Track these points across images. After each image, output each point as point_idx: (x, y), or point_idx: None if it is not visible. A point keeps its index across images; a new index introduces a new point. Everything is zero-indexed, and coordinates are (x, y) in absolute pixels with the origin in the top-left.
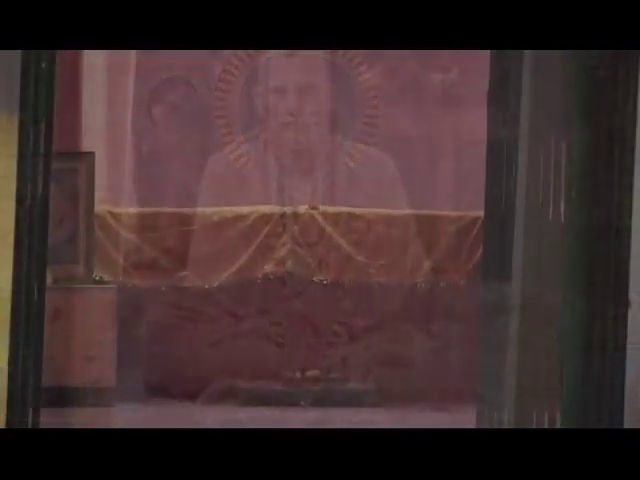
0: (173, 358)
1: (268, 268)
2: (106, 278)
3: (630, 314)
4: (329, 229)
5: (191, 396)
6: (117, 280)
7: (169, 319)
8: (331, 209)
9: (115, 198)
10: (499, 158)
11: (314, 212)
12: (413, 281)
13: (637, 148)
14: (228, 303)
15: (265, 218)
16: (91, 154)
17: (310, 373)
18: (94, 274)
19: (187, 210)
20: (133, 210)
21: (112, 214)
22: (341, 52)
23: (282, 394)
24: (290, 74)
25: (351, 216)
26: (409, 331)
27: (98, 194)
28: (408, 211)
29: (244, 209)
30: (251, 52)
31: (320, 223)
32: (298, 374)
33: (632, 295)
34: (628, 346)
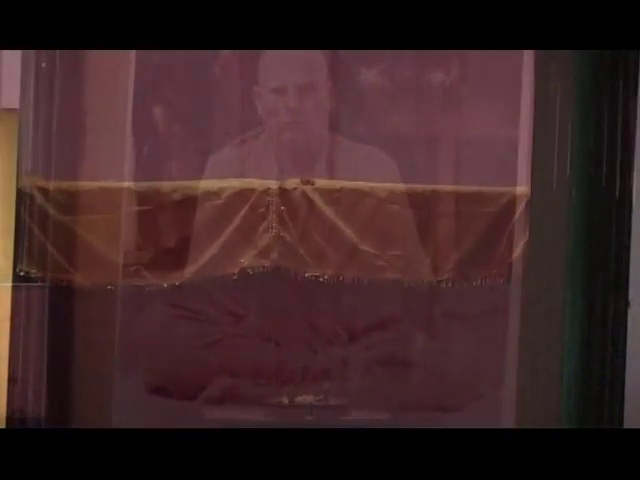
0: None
1: (247, 261)
2: (34, 274)
3: (630, 314)
4: (327, 210)
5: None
6: (48, 277)
7: (114, 328)
8: (330, 183)
9: (48, 169)
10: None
11: (307, 188)
12: (436, 278)
13: (637, 148)
14: (193, 307)
15: (243, 195)
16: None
17: (301, 399)
18: (18, 268)
19: (140, 185)
20: (70, 185)
21: (42, 190)
22: (341, 52)
23: (264, 427)
24: (290, 74)
25: (356, 193)
26: (430, 346)
27: (25, 163)
28: (432, 186)
29: (214, 184)
30: (251, 52)
31: (315, 202)
32: (285, 400)
33: (632, 295)
34: (628, 346)
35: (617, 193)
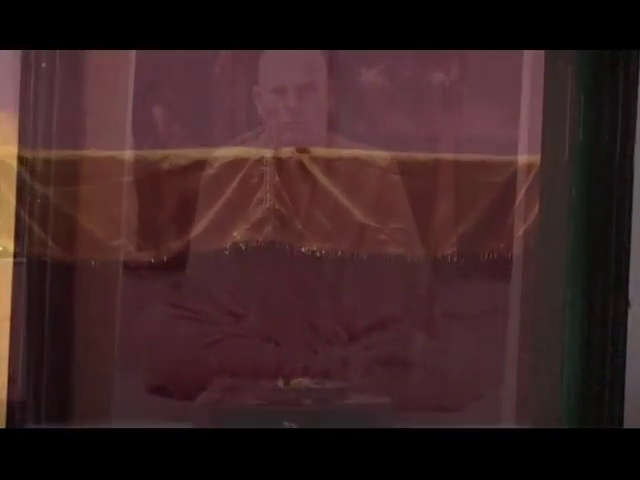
0: (104, 368)
1: (239, 235)
2: (11, 248)
3: (630, 314)
4: (325, 180)
5: (123, 414)
6: (26, 251)
7: (99, 308)
8: (327, 152)
9: (27, 138)
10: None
11: (304, 157)
12: (442, 253)
13: (637, 148)
14: (181, 284)
15: (235, 165)
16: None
17: (297, 382)
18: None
19: (126, 154)
20: (51, 154)
21: (20, 159)
22: (341, 52)
23: (257, 412)
24: (290, 74)
25: (355, 162)
26: (435, 326)
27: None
28: (435, 155)
29: (205, 153)
30: (251, 52)
31: (312, 172)
32: (280, 383)
33: (632, 295)
34: (628, 346)
35: (617, 193)
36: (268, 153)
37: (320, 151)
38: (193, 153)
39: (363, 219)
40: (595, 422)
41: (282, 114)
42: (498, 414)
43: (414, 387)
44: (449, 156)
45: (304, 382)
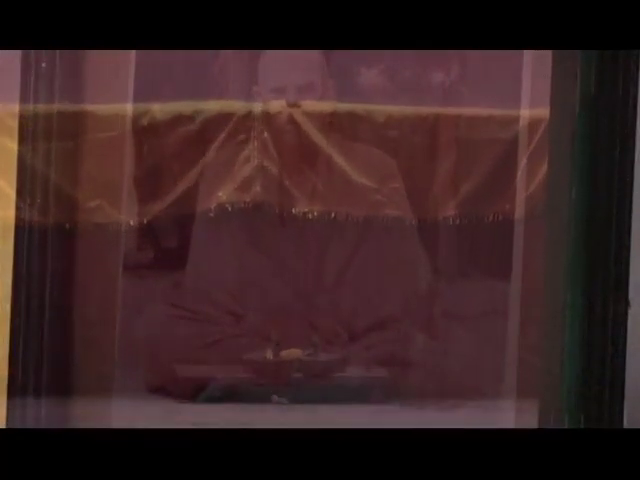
0: (80, 339)
1: (225, 195)
2: None
3: (630, 314)
4: (317, 137)
5: (107, 390)
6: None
7: (74, 274)
8: (320, 106)
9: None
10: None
11: (295, 111)
12: (443, 215)
13: (637, 148)
14: (163, 248)
15: (220, 120)
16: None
17: (287, 354)
18: None
19: (101, 109)
20: (19, 107)
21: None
22: (341, 52)
23: (244, 386)
24: (290, 74)
25: (350, 117)
26: (437, 295)
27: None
28: (437, 109)
29: (187, 106)
30: (251, 52)
31: (304, 128)
32: (269, 355)
33: (632, 295)
34: (628, 346)
35: (617, 193)
36: (256, 107)
37: (313, 105)
38: (174, 107)
39: (358, 179)
40: (595, 422)
41: (282, 114)
42: (498, 414)
43: (414, 362)
44: (451, 110)
45: (295, 354)
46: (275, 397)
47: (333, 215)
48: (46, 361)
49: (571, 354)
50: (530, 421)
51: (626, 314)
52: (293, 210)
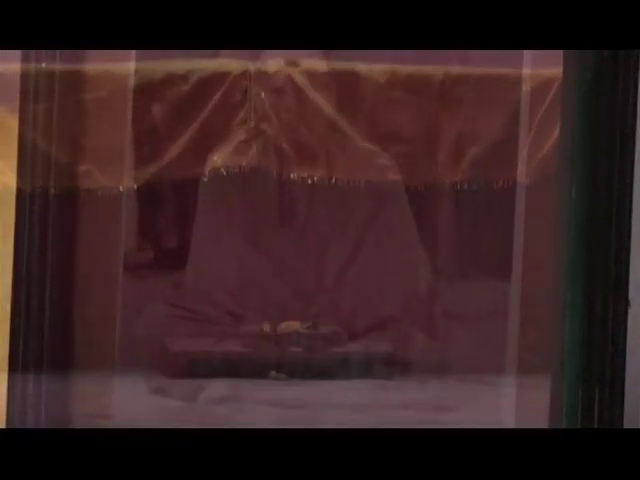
0: (69, 306)
1: (219, 159)
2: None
3: (630, 314)
4: (317, 97)
5: (90, 365)
6: None
7: (62, 241)
8: (319, 65)
9: None
10: None
11: (293, 70)
12: (450, 180)
13: (637, 148)
14: (155, 214)
15: (215, 80)
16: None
17: (285, 327)
18: None
19: (91, 68)
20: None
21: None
22: (341, 52)
23: (241, 361)
24: (290, 74)
25: (351, 77)
26: (443, 264)
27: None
28: (444, 68)
29: (180, 65)
30: (251, 52)
31: (303, 87)
32: (267, 329)
33: (632, 295)
34: (628, 346)
35: (617, 193)
36: (252, 66)
37: (312, 63)
38: (166, 65)
39: (360, 142)
40: (595, 422)
41: (282, 114)
42: (498, 414)
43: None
44: (457, 69)
45: (293, 326)
46: (273, 372)
47: (334, 180)
48: (47, 335)
49: (571, 354)
50: (530, 397)
51: (626, 314)
52: (292, 175)
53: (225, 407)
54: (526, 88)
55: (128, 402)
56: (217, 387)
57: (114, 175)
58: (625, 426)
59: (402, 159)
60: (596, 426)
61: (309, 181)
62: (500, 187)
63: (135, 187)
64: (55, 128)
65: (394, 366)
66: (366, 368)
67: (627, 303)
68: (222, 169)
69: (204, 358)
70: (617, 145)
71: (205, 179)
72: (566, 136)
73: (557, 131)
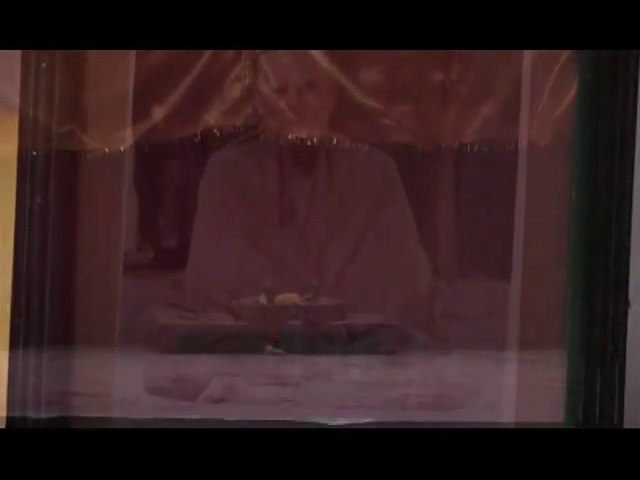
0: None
1: (212, 119)
2: None
3: (630, 314)
4: (315, 52)
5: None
6: None
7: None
8: None
9: None
10: None
11: None
12: (458, 141)
13: (637, 148)
14: (143, 176)
15: None
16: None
17: (283, 298)
18: None
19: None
20: None
21: None
22: (342, 52)
23: (236, 334)
24: (290, 74)
25: None
26: (450, 230)
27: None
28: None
29: None
30: (251, 52)
31: None
32: (263, 300)
33: (632, 295)
34: (628, 346)
35: (617, 193)
36: None
37: None
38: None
39: (363, 100)
40: (595, 422)
41: (282, 114)
42: (498, 414)
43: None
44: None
45: (292, 298)
46: (269, 347)
47: (335, 142)
48: (48, 306)
49: (571, 354)
50: (530, 373)
51: (626, 314)
52: (290, 136)
53: (218, 384)
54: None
55: (114, 380)
56: (209, 363)
57: (99, 136)
58: (625, 426)
59: (407, 119)
60: (596, 426)
61: (308, 142)
62: (513, 149)
63: (121, 149)
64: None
65: (399, 340)
66: (369, 342)
67: (627, 303)
68: (215, 130)
69: (195, 332)
70: (617, 145)
71: (197, 140)
72: (581, 97)
73: (573, 90)
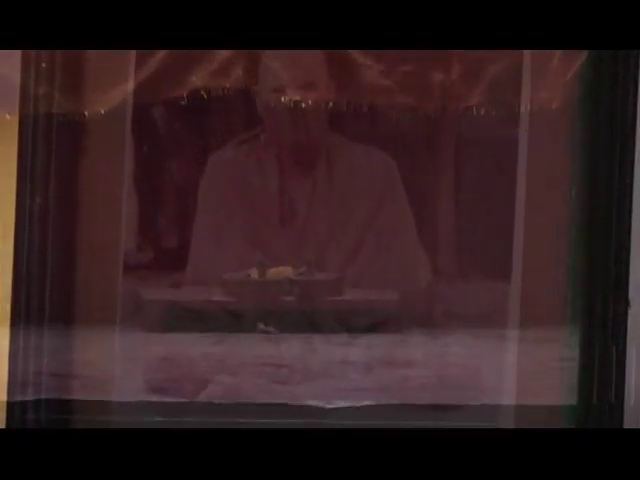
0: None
1: (199, 80)
2: None
3: (630, 314)
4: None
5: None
6: None
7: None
8: None
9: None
10: None
11: None
12: (462, 104)
13: (637, 148)
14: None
15: None
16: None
17: (276, 272)
18: None
19: None
20: None
21: None
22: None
23: (226, 311)
24: (290, 74)
25: None
26: (453, 195)
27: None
28: None
29: None
30: (251, 52)
31: None
32: (254, 274)
33: (632, 295)
34: (628, 346)
35: (617, 193)
36: None
37: None
38: None
39: (362, 59)
40: (595, 422)
41: (282, 114)
42: (498, 414)
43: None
44: None
45: (285, 272)
46: (261, 325)
47: (331, 104)
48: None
49: (571, 354)
50: (530, 351)
51: (626, 314)
52: (283, 98)
53: (205, 365)
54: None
55: (97, 358)
56: (194, 342)
57: (78, 100)
58: (625, 426)
59: (409, 79)
60: (596, 426)
61: (302, 105)
62: (521, 112)
63: (102, 112)
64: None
65: (401, 317)
66: (369, 320)
67: (627, 303)
68: (202, 91)
69: (182, 308)
70: (617, 145)
71: (184, 102)
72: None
73: (585, 53)
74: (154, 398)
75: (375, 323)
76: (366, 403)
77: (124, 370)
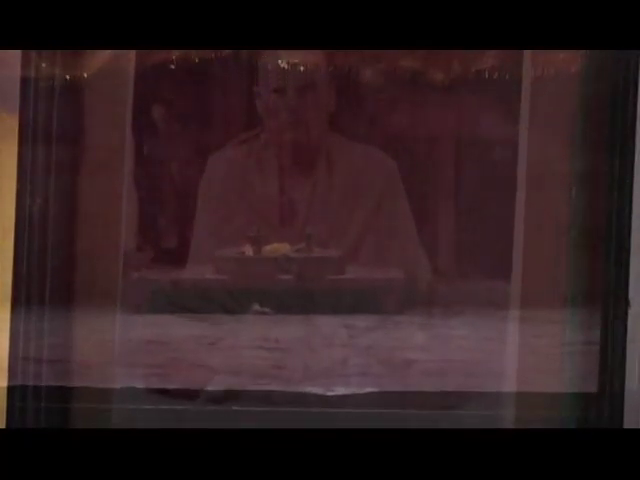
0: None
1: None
2: None
3: (630, 314)
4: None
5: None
6: None
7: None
8: None
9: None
10: None
11: None
12: (476, 68)
13: (637, 148)
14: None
15: None
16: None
17: (272, 249)
18: None
19: None
20: None
21: None
22: (342, 51)
23: (221, 290)
24: (290, 74)
25: None
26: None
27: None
28: None
29: None
30: (251, 52)
31: None
32: (249, 251)
33: (632, 295)
34: (628, 346)
35: (617, 193)
36: None
37: None
38: None
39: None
40: (595, 422)
41: (282, 114)
42: (498, 414)
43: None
44: None
45: (282, 249)
46: (256, 306)
47: (331, 69)
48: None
49: (571, 354)
50: (532, 331)
51: (626, 314)
52: (280, 62)
53: (196, 349)
54: None
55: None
56: (185, 324)
57: (61, 62)
58: (625, 426)
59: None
60: (596, 426)
61: (301, 68)
62: (538, 76)
63: (85, 75)
64: None
65: (405, 297)
66: (371, 299)
67: (627, 303)
68: (194, 56)
69: (170, 287)
70: (617, 145)
71: (172, 67)
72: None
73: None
74: (140, 385)
75: (378, 301)
76: (369, 390)
77: (112, 355)
